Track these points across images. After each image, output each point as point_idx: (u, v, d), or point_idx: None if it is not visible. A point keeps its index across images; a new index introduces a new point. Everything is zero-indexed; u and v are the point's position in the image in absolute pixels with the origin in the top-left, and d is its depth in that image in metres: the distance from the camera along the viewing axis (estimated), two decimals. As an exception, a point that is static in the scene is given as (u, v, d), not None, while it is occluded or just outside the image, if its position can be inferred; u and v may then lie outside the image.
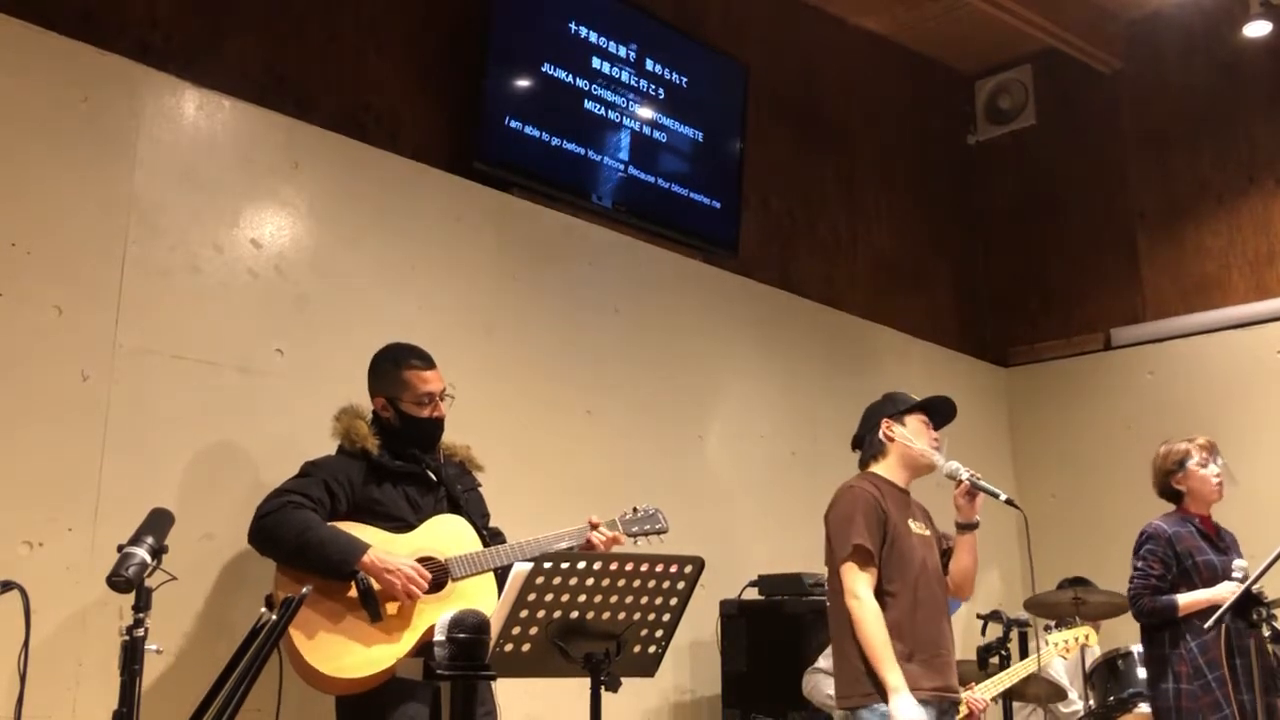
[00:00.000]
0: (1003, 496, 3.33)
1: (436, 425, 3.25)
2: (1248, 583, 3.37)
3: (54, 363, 3.15)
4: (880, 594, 3.26)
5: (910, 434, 3.45)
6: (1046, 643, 4.18)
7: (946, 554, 3.50)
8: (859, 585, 3.23)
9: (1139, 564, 4.09)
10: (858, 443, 3.58)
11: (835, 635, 3.32)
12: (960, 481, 3.38)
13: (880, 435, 3.48)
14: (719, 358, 5.12)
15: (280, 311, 3.67)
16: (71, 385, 3.17)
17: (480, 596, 3.04)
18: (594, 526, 3.27)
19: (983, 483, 3.37)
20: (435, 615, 2.58)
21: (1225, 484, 4.17)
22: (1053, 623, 4.33)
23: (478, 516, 3.25)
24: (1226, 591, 3.86)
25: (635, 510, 3.47)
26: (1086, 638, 4.22)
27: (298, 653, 2.85)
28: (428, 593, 2.97)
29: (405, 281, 4.01)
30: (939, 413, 3.54)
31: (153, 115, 3.48)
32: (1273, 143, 5.98)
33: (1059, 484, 6.37)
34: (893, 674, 3.12)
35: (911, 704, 3.09)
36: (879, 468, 3.49)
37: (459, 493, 3.25)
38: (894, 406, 3.52)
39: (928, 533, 3.46)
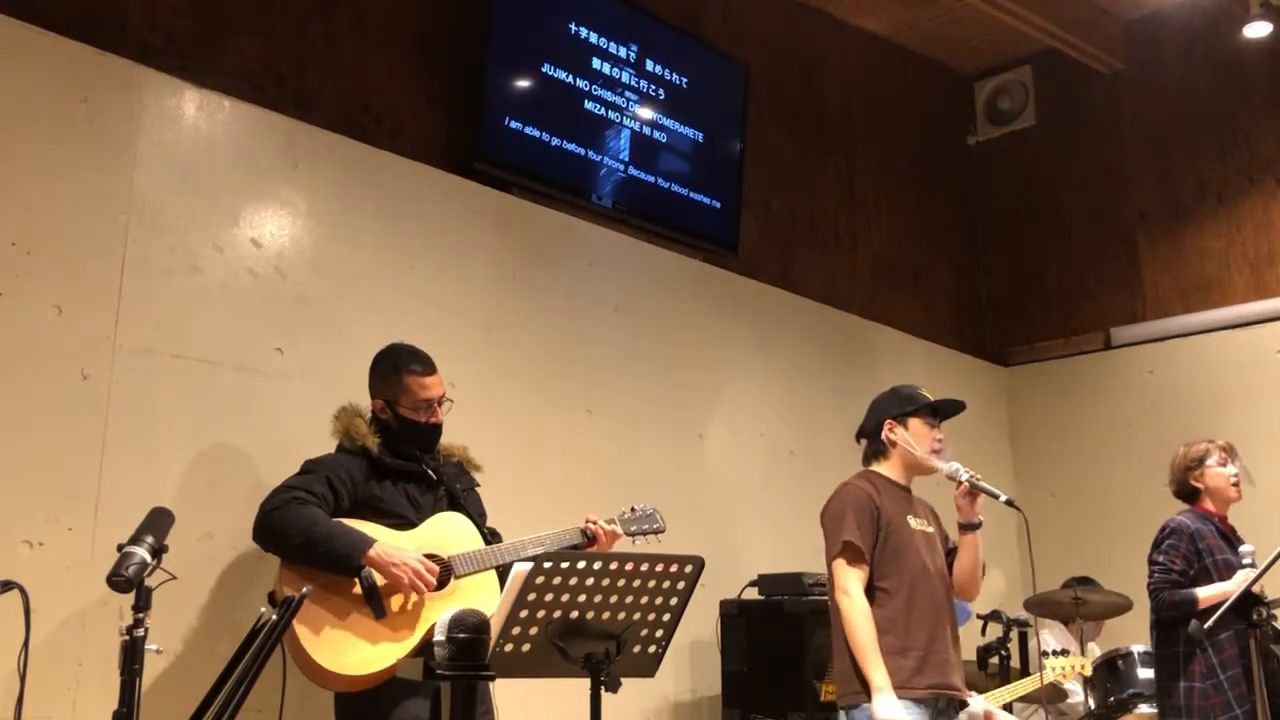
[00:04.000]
0: (1003, 497, 3.34)
1: (434, 430, 3.25)
2: (1246, 583, 3.37)
3: (54, 363, 3.15)
4: (875, 590, 3.26)
5: (912, 437, 3.45)
6: (1045, 665, 4.22)
7: (952, 553, 3.50)
8: (849, 581, 3.24)
9: (1160, 558, 4.08)
10: (862, 434, 3.58)
11: (835, 633, 3.32)
12: (960, 483, 3.38)
13: (883, 437, 3.48)
14: (719, 358, 5.12)
15: (280, 311, 3.67)
16: (71, 385, 3.17)
17: (483, 594, 3.05)
18: (590, 524, 3.28)
19: (982, 483, 3.37)
20: (439, 613, 2.58)
21: (1243, 485, 4.20)
22: (1052, 650, 4.41)
23: (476, 515, 3.26)
24: (1244, 580, 3.87)
25: (633, 510, 3.48)
26: (1083, 668, 4.28)
27: (303, 649, 2.85)
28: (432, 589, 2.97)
29: (405, 281, 4.01)
30: (944, 412, 3.54)
31: (153, 115, 3.48)
32: (1273, 143, 5.98)
33: (1059, 483, 6.37)
34: (877, 673, 3.11)
35: (892, 703, 3.08)
36: (880, 466, 3.50)
37: (458, 491, 3.26)
38: (898, 407, 3.50)
39: (930, 529, 3.45)
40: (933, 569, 3.36)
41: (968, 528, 3.42)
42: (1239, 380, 5.81)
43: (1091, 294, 6.50)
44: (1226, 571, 3.98)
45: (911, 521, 3.39)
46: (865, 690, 3.13)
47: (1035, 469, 6.51)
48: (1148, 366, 6.17)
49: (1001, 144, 6.89)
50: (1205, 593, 3.94)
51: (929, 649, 3.24)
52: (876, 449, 3.52)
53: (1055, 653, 4.29)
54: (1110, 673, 4.66)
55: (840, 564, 3.27)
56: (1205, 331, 6.00)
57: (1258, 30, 5.92)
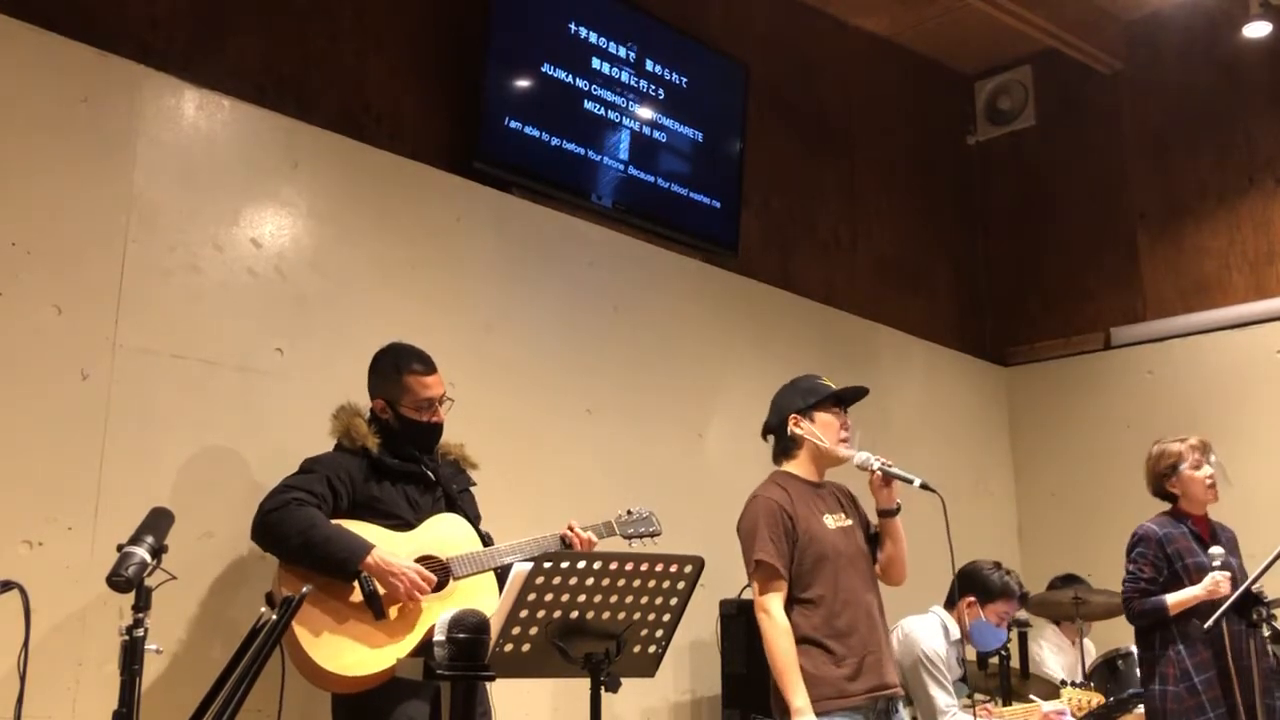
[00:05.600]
0: (917, 482, 3.26)
1: (435, 430, 3.25)
2: (1247, 583, 3.37)
3: (54, 363, 3.15)
4: (799, 602, 3.23)
5: (818, 430, 3.39)
6: (1060, 694, 4.28)
7: (875, 538, 3.45)
8: (766, 601, 3.22)
9: (1130, 567, 4.10)
10: (768, 431, 3.52)
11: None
12: (873, 472, 3.32)
13: (789, 433, 3.43)
14: (719, 358, 5.12)
15: (280, 311, 3.67)
16: (71, 385, 3.17)
17: (482, 595, 3.05)
18: (569, 532, 3.26)
19: (894, 470, 3.30)
20: (438, 613, 2.58)
21: (1219, 485, 4.16)
22: (1069, 679, 4.47)
23: (471, 518, 3.25)
24: (1211, 584, 3.86)
25: (629, 512, 3.48)
26: (1097, 704, 4.32)
27: (301, 650, 2.85)
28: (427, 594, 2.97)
29: (405, 281, 4.01)
30: (849, 400, 3.47)
31: (153, 115, 3.48)
32: (1273, 143, 5.98)
33: (1058, 483, 6.37)
34: (796, 695, 3.08)
35: None
36: (790, 465, 3.44)
37: (455, 492, 3.25)
38: (802, 400, 3.43)
39: (849, 522, 3.40)
40: (854, 565, 3.30)
41: (887, 513, 3.38)
42: (1239, 380, 5.81)
43: (1091, 294, 6.50)
44: (1199, 575, 3.95)
45: (828, 521, 3.34)
46: (783, 714, 3.12)
47: (1035, 469, 6.51)
48: (1147, 366, 6.17)
49: (1002, 144, 6.89)
50: (1174, 598, 3.94)
51: (863, 653, 3.21)
52: (784, 446, 3.46)
53: (1073, 684, 4.34)
54: (1110, 673, 4.67)
55: (755, 585, 3.26)
56: (1205, 331, 5.99)
57: (1258, 30, 5.92)
